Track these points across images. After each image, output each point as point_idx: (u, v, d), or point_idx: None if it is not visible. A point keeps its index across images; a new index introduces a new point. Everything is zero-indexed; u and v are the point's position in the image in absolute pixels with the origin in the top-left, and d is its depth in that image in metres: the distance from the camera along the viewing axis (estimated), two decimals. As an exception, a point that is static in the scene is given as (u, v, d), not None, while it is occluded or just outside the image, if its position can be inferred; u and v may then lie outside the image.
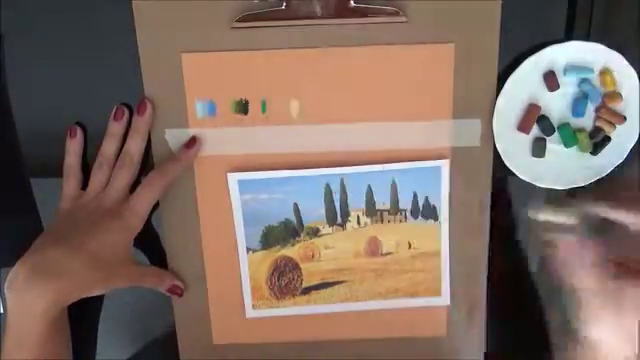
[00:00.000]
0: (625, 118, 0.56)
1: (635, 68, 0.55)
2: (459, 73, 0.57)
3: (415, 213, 0.61)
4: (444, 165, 0.59)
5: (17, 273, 0.51)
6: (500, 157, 0.58)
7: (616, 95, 0.56)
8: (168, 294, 0.61)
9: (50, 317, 0.51)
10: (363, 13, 0.55)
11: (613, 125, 0.57)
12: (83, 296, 0.53)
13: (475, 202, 0.60)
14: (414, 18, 0.55)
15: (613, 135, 0.57)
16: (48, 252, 0.52)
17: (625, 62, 0.55)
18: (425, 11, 0.55)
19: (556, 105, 0.57)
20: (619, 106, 0.56)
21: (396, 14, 0.55)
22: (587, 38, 0.56)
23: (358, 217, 0.61)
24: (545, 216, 0.62)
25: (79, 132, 0.58)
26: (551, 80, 0.56)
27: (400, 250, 0.62)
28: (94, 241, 0.53)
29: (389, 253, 0.62)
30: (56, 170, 0.59)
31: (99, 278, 0.53)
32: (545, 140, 0.58)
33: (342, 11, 0.55)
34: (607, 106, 0.56)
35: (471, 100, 0.58)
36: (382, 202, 0.60)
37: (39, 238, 0.54)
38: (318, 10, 0.55)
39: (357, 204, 0.60)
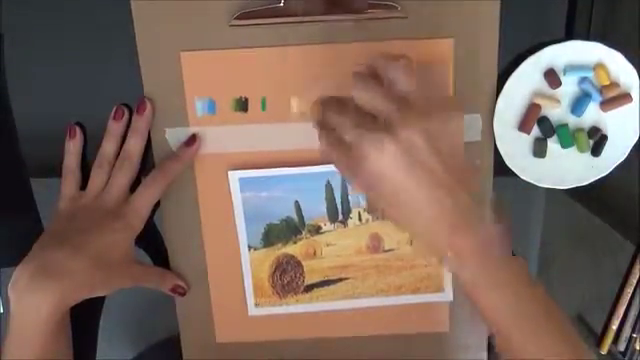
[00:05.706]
0: (631, 96, 0.56)
1: (635, 68, 0.55)
2: (459, 68, 0.57)
3: (416, 209, 0.61)
4: (445, 161, 0.59)
5: (20, 275, 0.51)
6: (501, 157, 0.58)
7: (613, 86, 0.56)
8: (170, 294, 0.61)
9: (54, 318, 0.51)
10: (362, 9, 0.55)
11: None
12: (86, 297, 0.53)
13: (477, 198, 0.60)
14: (413, 14, 0.55)
15: (613, 135, 0.57)
16: (50, 253, 0.52)
17: (625, 61, 0.55)
18: (423, 7, 0.55)
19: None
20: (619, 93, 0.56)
21: (395, 10, 0.54)
22: (587, 38, 0.56)
23: (359, 214, 0.61)
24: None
25: (78, 132, 0.58)
26: (552, 78, 0.56)
27: (402, 246, 0.62)
28: (96, 241, 0.53)
29: (391, 249, 0.62)
30: (56, 170, 0.59)
31: (102, 278, 0.54)
32: (546, 140, 0.58)
33: (341, 7, 0.54)
34: (609, 98, 0.56)
35: (471, 95, 0.57)
36: (383, 199, 0.60)
37: (40, 240, 0.54)
38: (316, 6, 0.55)
39: (358, 201, 0.60)
